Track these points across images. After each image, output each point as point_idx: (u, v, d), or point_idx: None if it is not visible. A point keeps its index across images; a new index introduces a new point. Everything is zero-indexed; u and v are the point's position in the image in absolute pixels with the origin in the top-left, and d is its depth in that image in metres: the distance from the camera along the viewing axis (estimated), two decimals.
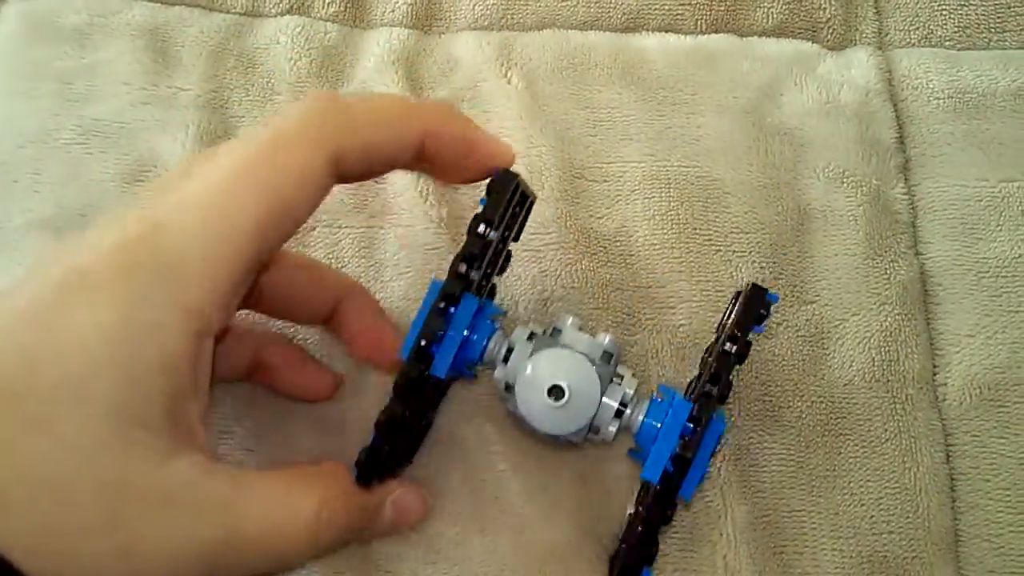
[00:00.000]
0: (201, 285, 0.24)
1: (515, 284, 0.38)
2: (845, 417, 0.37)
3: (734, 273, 0.39)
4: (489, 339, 0.31)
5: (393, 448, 0.31)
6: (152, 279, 0.23)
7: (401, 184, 0.39)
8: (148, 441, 0.23)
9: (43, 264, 0.24)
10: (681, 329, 0.38)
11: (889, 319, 0.39)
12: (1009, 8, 0.46)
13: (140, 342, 0.23)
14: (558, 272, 0.38)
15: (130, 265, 0.23)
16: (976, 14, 0.46)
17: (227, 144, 0.26)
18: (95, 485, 0.22)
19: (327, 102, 0.27)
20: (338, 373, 0.35)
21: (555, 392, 0.29)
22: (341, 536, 0.27)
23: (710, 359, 0.30)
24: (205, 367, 0.25)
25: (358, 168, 0.27)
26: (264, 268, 0.29)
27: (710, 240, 0.39)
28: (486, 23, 0.45)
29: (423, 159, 0.28)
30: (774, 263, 0.39)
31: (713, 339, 0.33)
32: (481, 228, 0.28)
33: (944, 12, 0.46)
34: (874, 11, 0.46)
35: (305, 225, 0.31)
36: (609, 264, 0.38)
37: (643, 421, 0.30)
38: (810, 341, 0.38)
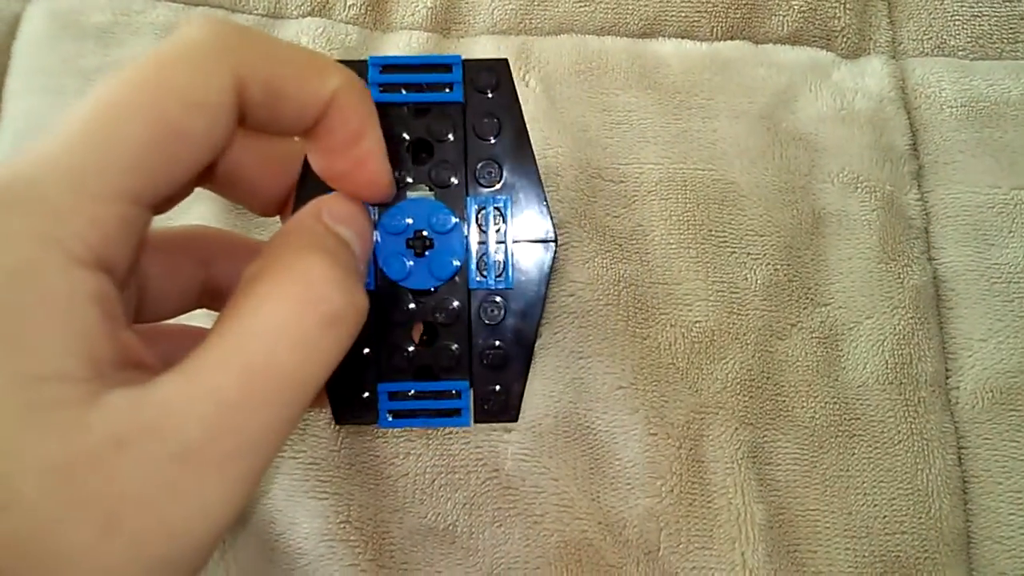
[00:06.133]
0: (73, 214, 0.20)
1: None
2: (858, 418, 0.37)
3: (749, 275, 0.39)
4: None
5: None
6: (8, 216, 0.19)
7: None
8: (67, 395, 0.18)
9: None
10: (696, 326, 0.38)
11: (902, 323, 0.39)
12: (1021, 20, 0.46)
13: (9, 287, 0.19)
14: (571, 268, 0.38)
15: None
16: (989, 25, 0.46)
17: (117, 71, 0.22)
18: (29, 473, 0.18)
19: (228, 22, 0.22)
20: None
21: None
22: (352, 285, 0.22)
23: None
24: (114, 303, 0.21)
25: (260, 111, 0.23)
26: (170, 203, 0.25)
27: (725, 242, 0.40)
28: (504, 27, 0.45)
29: (320, 130, 0.24)
30: (788, 266, 0.39)
31: None
32: None
33: (957, 22, 0.46)
34: (888, 21, 0.47)
35: None
36: (624, 261, 0.39)
37: None
38: (824, 343, 0.39)
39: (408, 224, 0.27)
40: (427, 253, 0.27)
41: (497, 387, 0.28)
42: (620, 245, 0.39)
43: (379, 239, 0.27)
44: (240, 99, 0.22)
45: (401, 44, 0.44)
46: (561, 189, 0.40)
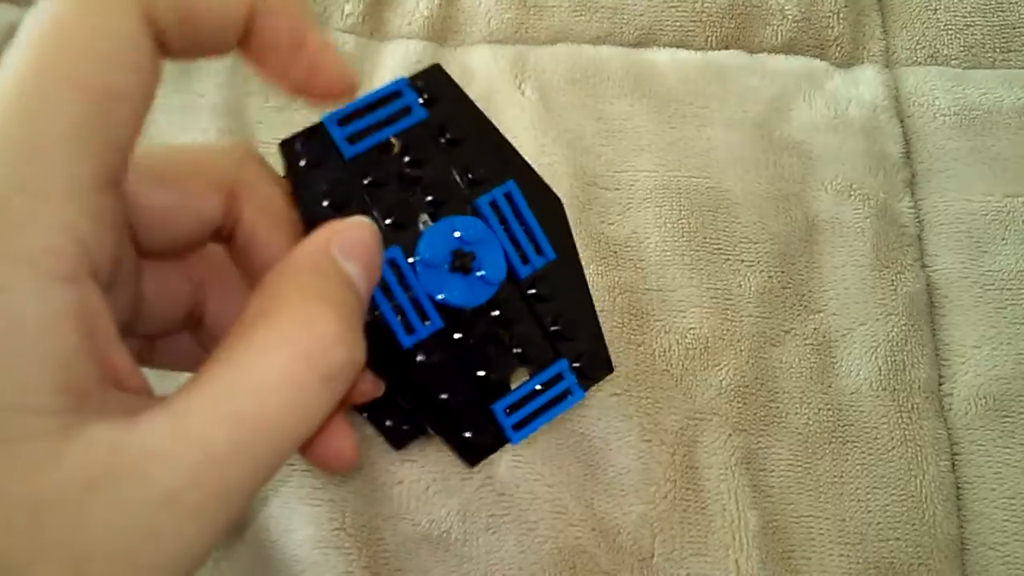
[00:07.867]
0: (30, 219, 0.18)
1: None
2: (852, 425, 0.38)
3: (743, 282, 0.39)
4: None
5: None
6: None
7: None
8: (39, 428, 0.17)
9: None
10: (691, 332, 0.38)
11: (896, 329, 0.39)
12: (1014, 29, 0.46)
13: None
14: None
15: None
16: (982, 34, 0.46)
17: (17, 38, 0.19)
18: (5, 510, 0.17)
19: None
20: None
21: None
22: (356, 343, 0.21)
23: None
24: (98, 316, 0.19)
25: (179, 39, 0.21)
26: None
27: (719, 249, 0.40)
28: (500, 37, 0.45)
29: (252, 44, 0.22)
30: (782, 273, 0.40)
31: None
32: None
33: (950, 32, 0.47)
34: (881, 30, 0.47)
35: None
36: (619, 268, 0.39)
37: None
38: (817, 349, 0.39)
39: (442, 249, 0.26)
40: (472, 265, 0.27)
41: (583, 351, 0.28)
42: (615, 252, 0.39)
43: (421, 278, 0.26)
44: (154, 32, 0.20)
45: (398, 53, 0.44)
46: None
